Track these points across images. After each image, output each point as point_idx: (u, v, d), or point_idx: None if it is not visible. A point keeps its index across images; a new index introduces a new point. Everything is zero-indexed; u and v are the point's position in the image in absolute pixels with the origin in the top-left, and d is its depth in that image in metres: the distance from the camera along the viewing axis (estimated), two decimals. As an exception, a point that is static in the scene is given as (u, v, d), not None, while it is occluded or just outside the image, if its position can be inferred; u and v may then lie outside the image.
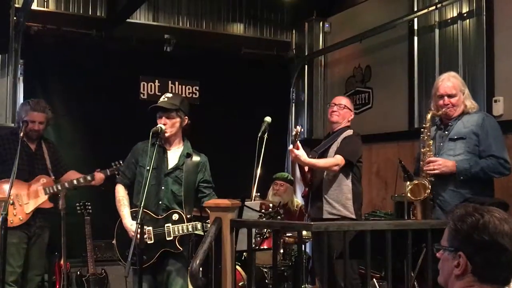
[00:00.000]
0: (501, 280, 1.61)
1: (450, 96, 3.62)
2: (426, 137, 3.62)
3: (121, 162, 4.34)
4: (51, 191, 4.33)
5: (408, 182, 3.61)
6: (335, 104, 4.34)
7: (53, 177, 4.42)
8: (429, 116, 3.66)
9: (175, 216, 3.60)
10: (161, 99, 3.74)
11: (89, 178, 4.39)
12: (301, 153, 3.94)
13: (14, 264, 4.19)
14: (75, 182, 4.38)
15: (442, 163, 3.51)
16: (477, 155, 3.53)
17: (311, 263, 5.86)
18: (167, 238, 3.58)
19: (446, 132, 3.66)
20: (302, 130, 4.01)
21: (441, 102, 3.64)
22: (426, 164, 3.57)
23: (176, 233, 3.56)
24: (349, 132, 4.29)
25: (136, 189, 3.70)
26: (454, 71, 5.00)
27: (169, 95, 3.81)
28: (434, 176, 3.55)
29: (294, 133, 3.90)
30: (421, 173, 3.62)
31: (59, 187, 4.34)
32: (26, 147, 4.35)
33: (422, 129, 3.68)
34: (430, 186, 3.52)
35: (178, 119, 3.70)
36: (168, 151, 3.74)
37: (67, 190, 4.39)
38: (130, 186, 3.78)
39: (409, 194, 3.58)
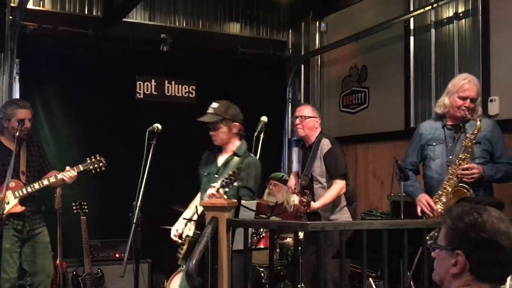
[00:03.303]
0: (497, 279, 1.63)
1: (472, 100, 3.62)
2: (470, 144, 3.55)
3: (97, 157, 4.30)
4: (20, 194, 4.14)
5: (448, 186, 3.56)
6: (297, 117, 4.41)
7: (24, 180, 4.21)
8: (478, 123, 3.55)
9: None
10: (207, 111, 3.79)
11: (60, 176, 4.21)
12: (311, 204, 4.13)
13: (8, 270, 4.11)
14: (45, 182, 4.20)
15: (478, 172, 3.49)
16: (487, 160, 3.59)
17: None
18: (189, 230, 3.72)
19: (461, 134, 3.64)
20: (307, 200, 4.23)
21: (461, 103, 3.61)
22: (461, 170, 3.51)
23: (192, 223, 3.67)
24: (325, 142, 4.33)
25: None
26: (450, 71, 5.07)
27: (215, 105, 3.81)
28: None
29: (304, 205, 4.12)
30: (450, 176, 3.55)
31: (29, 190, 4.16)
32: (7, 150, 4.18)
33: (469, 135, 3.57)
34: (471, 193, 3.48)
35: (225, 128, 3.76)
36: (219, 156, 3.84)
37: (39, 190, 4.24)
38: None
39: (452, 197, 3.53)
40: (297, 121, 4.39)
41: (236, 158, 3.77)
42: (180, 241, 3.75)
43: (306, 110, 4.43)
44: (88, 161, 4.29)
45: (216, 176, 3.74)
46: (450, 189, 3.56)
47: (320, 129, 4.45)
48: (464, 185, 3.51)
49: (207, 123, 3.74)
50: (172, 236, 3.79)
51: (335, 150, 4.33)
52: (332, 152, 4.30)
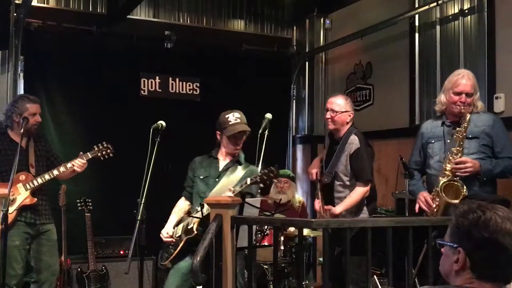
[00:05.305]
0: (501, 278, 1.61)
1: (468, 95, 3.57)
2: (461, 137, 3.52)
3: (104, 144, 4.32)
4: (32, 186, 4.16)
5: (441, 181, 3.51)
6: (328, 110, 4.19)
7: (33, 173, 4.22)
8: (468, 116, 3.53)
9: (199, 208, 3.65)
10: (235, 121, 3.76)
11: (68, 165, 4.22)
12: (332, 208, 4.01)
13: (16, 266, 4.10)
14: (55, 172, 4.20)
15: (472, 166, 3.46)
16: (488, 155, 3.53)
17: (311, 260, 5.86)
18: (188, 227, 3.68)
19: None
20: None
21: (457, 98, 3.58)
22: (455, 165, 3.48)
23: (194, 220, 3.63)
24: (354, 140, 4.11)
25: (193, 198, 3.86)
26: (456, 68, 5.02)
27: (238, 114, 3.80)
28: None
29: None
30: (445, 172, 3.52)
31: (40, 181, 4.18)
32: (16, 145, 4.14)
33: (459, 128, 3.56)
34: (465, 190, 3.43)
35: (244, 138, 3.81)
36: (220, 160, 3.85)
37: (49, 181, 4.26)
38: (191, 197, 3.93)
39: (443, 194, 3.48)
40: (328, 114, 4.16)
41: (239, 166, 3.79)
42: (173, 240, 3.76)
43: (338, 103, 4.17)
44: (96, 148, 4.32)
45: (217, 180, 3.76)
46: (440, 185, 3.53)
47: (352, 123, 4.21)
48: (457, 180, 3.46)
49: (242, 133, 3.75)
50: (164, 238, 3.79)
51: (362, 151, 4.11)
52: (359, 153, 4.09)
